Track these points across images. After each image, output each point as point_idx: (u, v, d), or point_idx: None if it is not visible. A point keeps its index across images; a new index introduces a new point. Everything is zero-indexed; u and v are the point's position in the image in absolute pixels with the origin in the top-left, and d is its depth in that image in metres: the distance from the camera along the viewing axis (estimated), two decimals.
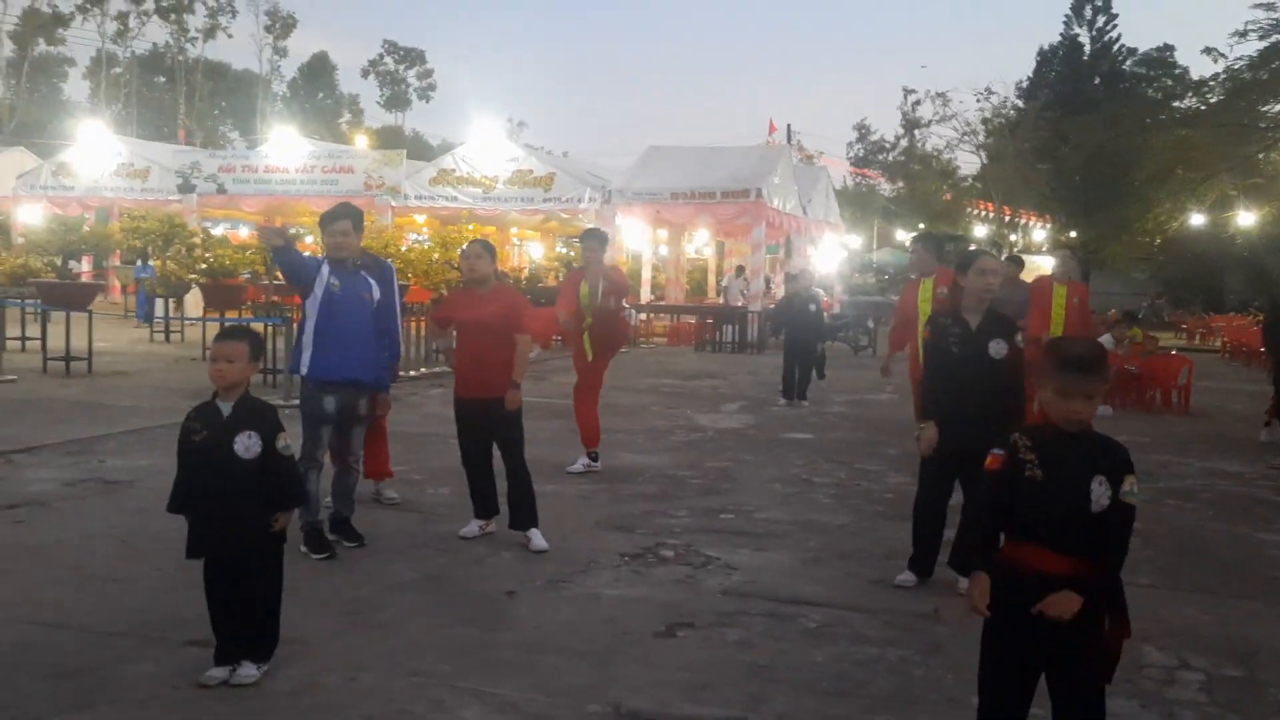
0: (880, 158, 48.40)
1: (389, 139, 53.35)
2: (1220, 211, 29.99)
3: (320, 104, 72.27)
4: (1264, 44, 25.51)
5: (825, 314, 14.53)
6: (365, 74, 77.31)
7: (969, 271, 5.09)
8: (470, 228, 19.92)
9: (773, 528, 6.38)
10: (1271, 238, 29.36)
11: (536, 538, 5.69)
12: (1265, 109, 26.83)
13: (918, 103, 43.86)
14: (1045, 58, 43.13)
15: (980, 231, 41.66)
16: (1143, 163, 28.51)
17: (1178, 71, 38.11)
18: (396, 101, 77.54)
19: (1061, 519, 2.80)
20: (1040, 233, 41.08)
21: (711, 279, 29.45)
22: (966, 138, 42.04)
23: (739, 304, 21.96)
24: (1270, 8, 25.34)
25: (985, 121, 40.79)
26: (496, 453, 5.90)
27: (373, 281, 5.66)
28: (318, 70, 73.22)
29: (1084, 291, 9.28)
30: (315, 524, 5.41)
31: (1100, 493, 2.78)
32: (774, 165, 21.96)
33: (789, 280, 14.80)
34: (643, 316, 21.82)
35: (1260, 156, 28.17)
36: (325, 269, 5.46)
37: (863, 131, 50.07)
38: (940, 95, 42.07)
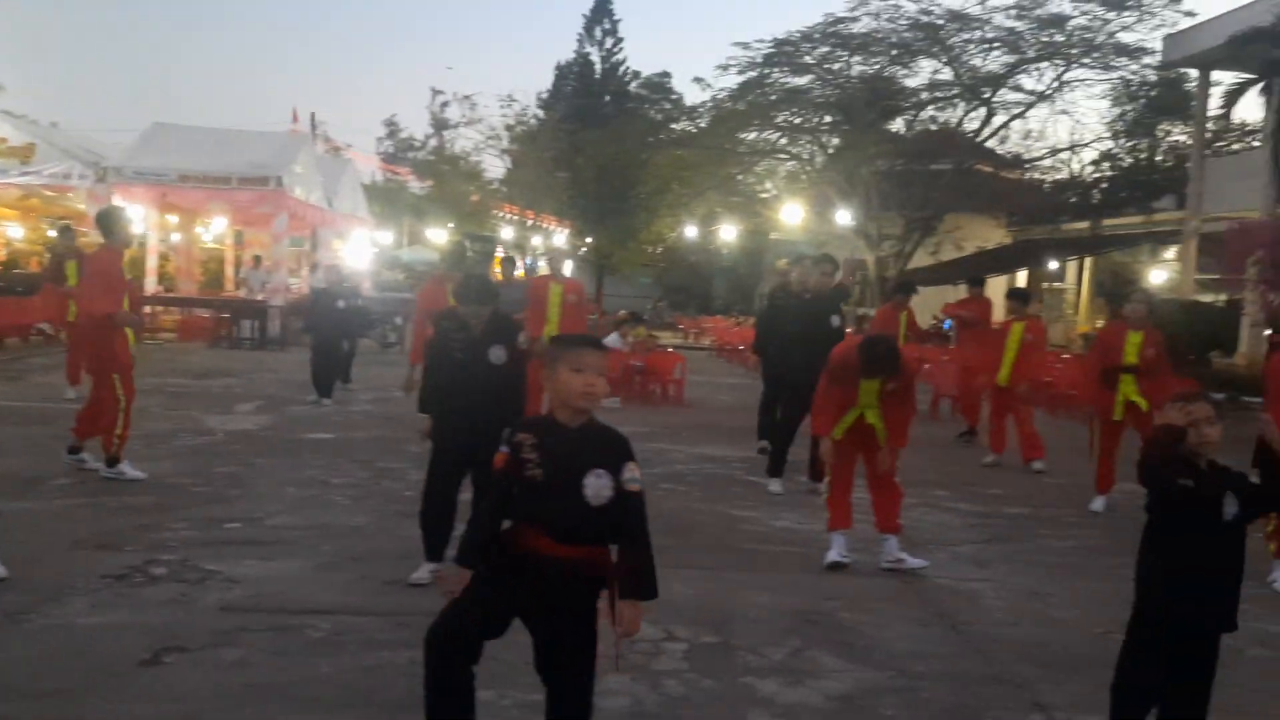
0: (410, 155, 48.30)
1: None
2: (710, 225, 33.84)
3: None
4: (741, 78, 29.21)
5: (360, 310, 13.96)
6: None
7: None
8: None
9: (283, 535, 6.02)
10: (748, 250, 33.70)
11: None
12: (743, 136, 30.75)
13: (446, 104, 44.46)
14: (562, 72, 45.73)
15: (507, 234, 43.17)
16: (645, 178, 31.43)
17: (675, 96, 42.36)
18: None
19: (563, 512, 2.90)
20: (561, 237, 43.52)
21: (229, 270, 27.48)
22: (491, 142, 43.41)
23: (259, 297, 20.71)
24: (746, 46, 29.07)
25: (509, 128, 42.37)
26: None
27: None
28: None
29: (579, 287, 9.79)
30: None
31: (599, 485, 2.90)
32: (296, 154, 20.95)
33: (316, 275, 14.16)
34: (149, 310, 19.77)
35: (739, 177, 32.24)
36: None
37: (392, 128, 49.58)
38: (467, 98, 43.01)
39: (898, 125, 30.75)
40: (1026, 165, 32.76)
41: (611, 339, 14.09)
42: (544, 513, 2.90)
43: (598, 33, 44.50)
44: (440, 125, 45.75)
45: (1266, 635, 5.18)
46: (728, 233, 33.06)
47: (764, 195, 33.19)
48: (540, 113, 43.27)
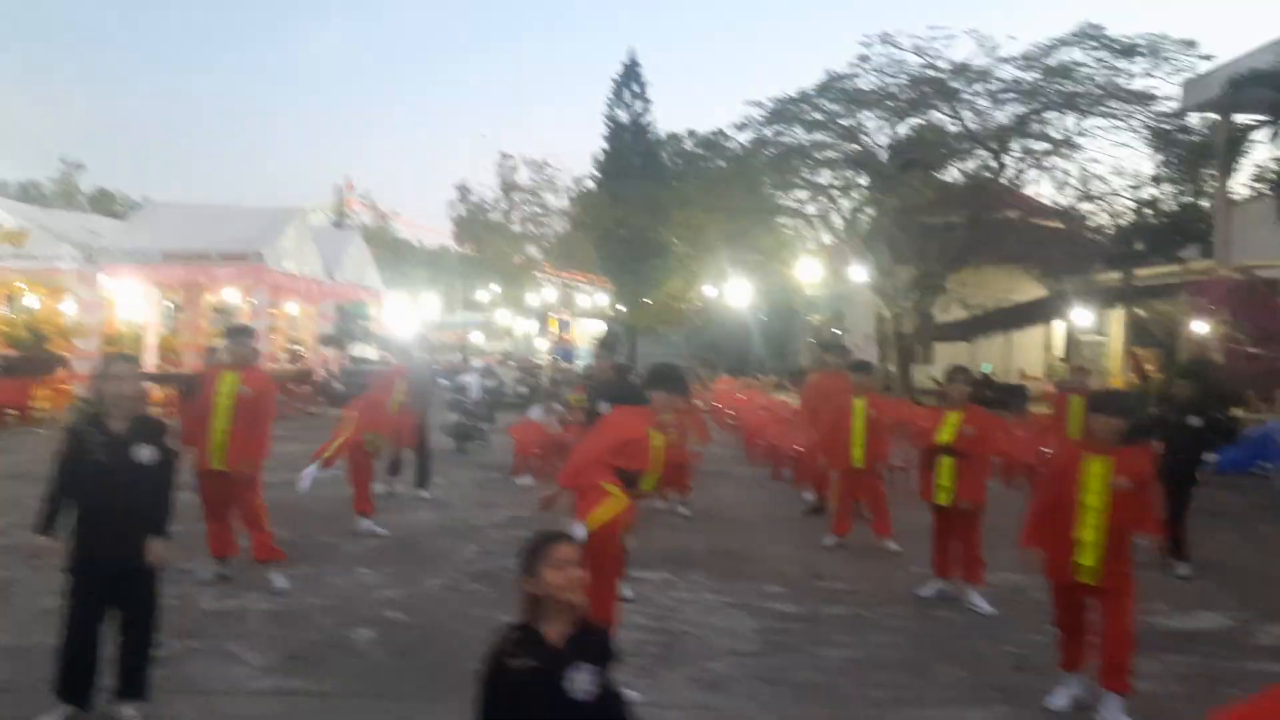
0: (481, 219, 48.94)
1: None
2: (725, 282, 33.40)
3: None
4: (754, 135, 28.85)
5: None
6: None
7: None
8: None
9: None
10: (778, 307, 33.06)
11: None
12: (769, 192, 30.34)
13: (514, 168, 45.47)
14: (614, 133, 46.17)
15: (549, 295, 43.59)
16: (675, 232, 31.26)
17: (729, 153, 42.22)
18: None
19: None
20: (601, 297, 43.67)
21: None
22: (541, 213, 44.33)
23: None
24: (760, 105, 28.76)
25: (567, 191, 43.37)
26: None
27: None
28: None
29: (264, 381, 7.95)
30: None
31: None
32: (283, 228, 21.35)
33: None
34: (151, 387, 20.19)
35: (761, 233, 31.74)
36: None
37: (463, 192, 50.31)
38: (537, 163, 44.05)
39: (928, 177, 29.90)
40: (1061, 213, 31.53)
41: (534, 411, 13.75)
42: None
43: (626, 95, 44.87)
44: (509, 189, 46.53)
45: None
46: (744, 291, 32.39)
47: (785, 252, 32.49)
48: (596, 174, 43.98)
